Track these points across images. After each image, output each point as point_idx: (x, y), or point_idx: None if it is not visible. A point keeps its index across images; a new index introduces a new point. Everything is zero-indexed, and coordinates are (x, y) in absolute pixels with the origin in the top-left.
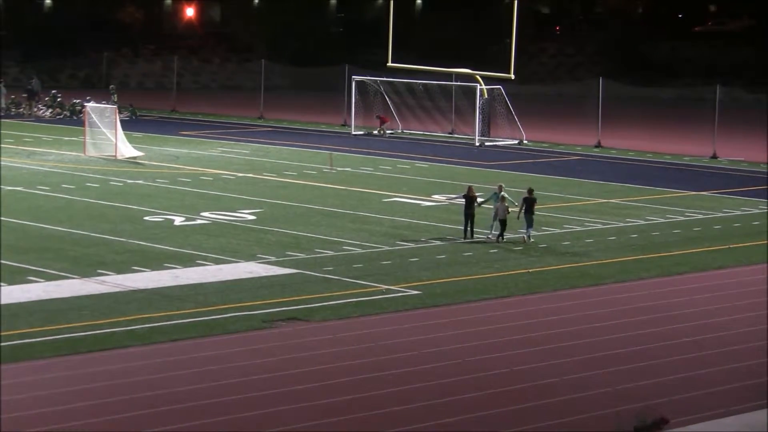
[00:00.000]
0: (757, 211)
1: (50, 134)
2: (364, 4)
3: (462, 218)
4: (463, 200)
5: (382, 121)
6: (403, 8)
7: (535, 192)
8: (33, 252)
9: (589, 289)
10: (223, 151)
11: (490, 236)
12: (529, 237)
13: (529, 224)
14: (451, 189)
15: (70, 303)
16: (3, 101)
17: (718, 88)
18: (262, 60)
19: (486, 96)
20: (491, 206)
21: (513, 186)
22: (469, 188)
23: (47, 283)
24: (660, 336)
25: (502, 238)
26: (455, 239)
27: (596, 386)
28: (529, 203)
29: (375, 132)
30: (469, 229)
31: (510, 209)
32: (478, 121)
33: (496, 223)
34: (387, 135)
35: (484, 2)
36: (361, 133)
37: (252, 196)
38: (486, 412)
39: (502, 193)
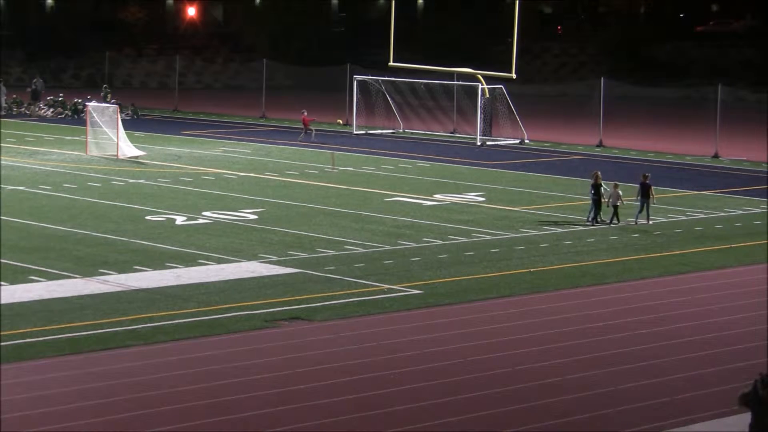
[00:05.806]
0: (759, 210)
1: (52, 134)
2: (366, 4)
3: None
4: (592, 187)
5: (305, 124)
6: (405, 8)
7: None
8: (35, 251)
9: (591, 289)
10: (225, 151)
11: (613, 222)
12: (640, 218)
13: (642, 208)
14: (453, 189)
15: (72, 303)
16: (4, 100)
17: (720, 87)
18: (264, 60)
19: (488, 95)
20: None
21: (516, 186)
22: (596, 175)
23: (49, 282)
24: (661, 335)
25: (617, 221)
26: (456, 238)
27: (598, 386)
28: (644, 188)
29: (301, 136)
30: (593, 214)
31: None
32: (480, 121)
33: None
34: (315, 137)
35: (487, 2)
36: (362, 132)
37: (254, 196)
38: (488, 411)
39: (614, 183)
